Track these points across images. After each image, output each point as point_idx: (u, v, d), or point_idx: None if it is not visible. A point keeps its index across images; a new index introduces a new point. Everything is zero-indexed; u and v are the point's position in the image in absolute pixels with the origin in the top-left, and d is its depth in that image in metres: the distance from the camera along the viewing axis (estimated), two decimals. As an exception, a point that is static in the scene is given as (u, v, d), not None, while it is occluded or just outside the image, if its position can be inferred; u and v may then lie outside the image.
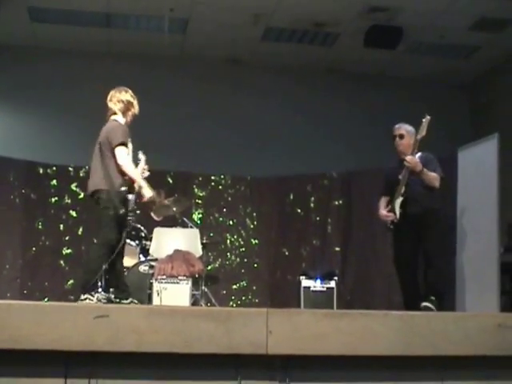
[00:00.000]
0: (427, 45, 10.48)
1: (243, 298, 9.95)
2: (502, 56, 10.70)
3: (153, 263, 8.22)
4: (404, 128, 6.91)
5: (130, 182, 6.27)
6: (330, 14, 9.59)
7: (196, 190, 10.19)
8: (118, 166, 6.13)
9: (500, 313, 6.30)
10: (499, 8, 9.21)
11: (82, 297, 6.03)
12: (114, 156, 6.15)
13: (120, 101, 6.53)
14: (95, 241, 6.75)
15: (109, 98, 6.54)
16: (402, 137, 6.84)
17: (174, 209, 8.07)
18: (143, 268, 8.25)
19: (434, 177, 6.58)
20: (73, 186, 9.87)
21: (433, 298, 6.23)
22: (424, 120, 6.72)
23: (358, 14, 9.51)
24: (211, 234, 9.77)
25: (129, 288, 6.62)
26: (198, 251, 8.48)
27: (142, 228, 8.72)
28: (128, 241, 8.46)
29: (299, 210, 10.19)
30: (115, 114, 6.47)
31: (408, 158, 6.59)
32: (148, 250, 8.67)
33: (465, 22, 9.71)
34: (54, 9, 9.62)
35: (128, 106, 6.53)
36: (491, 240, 7.14)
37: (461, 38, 10.19)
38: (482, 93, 11.52)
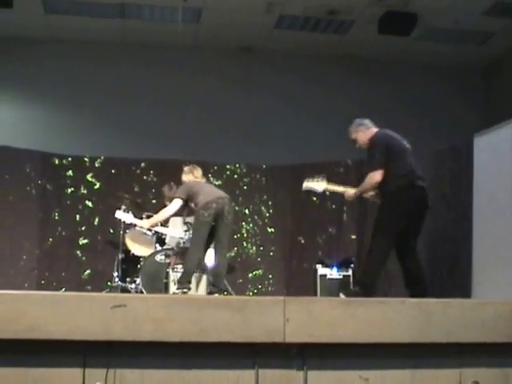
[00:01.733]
0: (442, 31, 10.44)
1: (259, 286, 9.96)
2: (517, 41, 10.64)
3: (169, 252, 8.25)
4: (352, 133, 6.85)
5: None
6: (343, 2, 9.57)
7: (211, 178, 10.17)
8: None
9: (517, 299, 6.27)
10: (514, -7, 9.16)
11: None
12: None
13: None
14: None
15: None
16: (355, 142, 6.83)
17: None
18: (159, 257, 8.30)
19: (367, 185, 6.52)
20: (88, 177, 9.90)
21: (356, 288, 6.15)
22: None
23: (372, 0, 9.46)
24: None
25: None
26: (213, 240, 8.49)
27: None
28: (144, 230, 8.54)
29: (315, 198, 10.15)
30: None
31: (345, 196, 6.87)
32: (164, 239, 8.70)
33: (479, 8, 9.66)
34: (68, 0, 9.64)
35: None
36: (508, 227, 7.10)
37: (475, 23, 10.14)
38: (497, 79, 11.45)
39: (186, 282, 7.42)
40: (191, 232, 7.86)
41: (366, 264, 6.42)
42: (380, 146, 6.39)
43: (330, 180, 7.24)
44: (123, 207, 8.60)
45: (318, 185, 7.31)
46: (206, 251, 7.73)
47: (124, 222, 8.53)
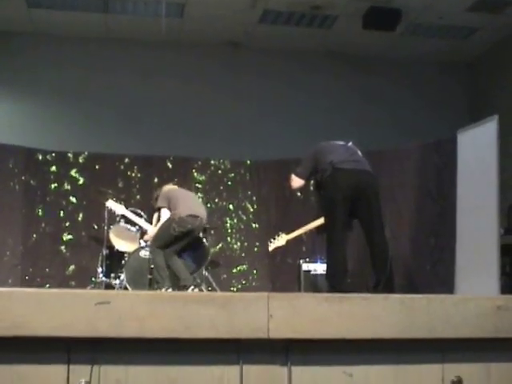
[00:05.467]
0: (426, 26, 10.48)
1: (244, 282, 9.97)
2: (500, 37, 10.69)
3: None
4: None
5: None
6: (327, -3, 9.58)
7: (196, 174, 10.19)
8: None
9: (500, 295, 6.31)
10: (498, -11, 9.21)
11: None
12: None
13: None
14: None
15: None
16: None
17: None
18: (144, 253, 8.30)
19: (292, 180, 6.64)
20: (72, 172, 9.87)
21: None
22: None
23: (356, -4, 9.50)
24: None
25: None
26: (198, 236, 8.50)
27: (143, 213, 8.75)
28: (128, 226, 8.54)
29: (299, 194, 10.17)
30: None
31: None
32: (148, 235, 8.70)
33: (463, 3, 9.71)
34: (50, -6, 9.62)
35: None
36: (491, 222, 7.14)
37: (459, 19, 10.19)
38: (481, 74, 11.51)
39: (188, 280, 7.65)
40: (157, 232, 7.89)
41: (326, 266, 6.36)
42: (307, 157, 6.71)
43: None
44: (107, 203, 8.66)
45: (279, 241, 8.04)
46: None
47: (114, 212, 8.56)
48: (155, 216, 8.27)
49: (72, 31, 10.62)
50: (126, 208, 8.68)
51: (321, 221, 7.50)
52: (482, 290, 6.92)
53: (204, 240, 8.44)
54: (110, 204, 8.53)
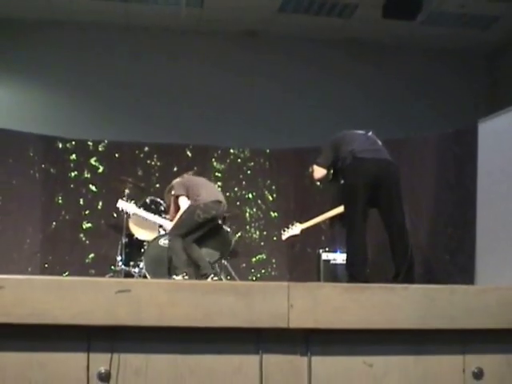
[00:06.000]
0: (447, 15, 10.39)
1: (263, 271, 9.98)
2: (522, 26, 10.60)
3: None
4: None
5: None
6: (348, -15, 9.53)
7: (215, 163, 10.18)
8: None
9: (521, 285, 6.27)
10: (520, -23, 9.12)
11: None
12: None
13: None
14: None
15: None
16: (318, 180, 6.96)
17: None
18: (163, 241, 8.30)
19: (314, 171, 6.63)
20: (92, 161, 9.90)
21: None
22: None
23: (377, -16, 9.43)
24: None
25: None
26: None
27: (162, 202, 8.76)
28: (147, 215, 8.55)
29: (318, 183, 10.13)
30: None
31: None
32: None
33: (484, -8, 9.63)
34: (70, -18, 9.63)
35: None
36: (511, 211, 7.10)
37: (480, 8, 10.09)
38: (502, 63, 11.41)
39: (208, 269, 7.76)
40: (178, 220, 7.92)
41: (346, 255, 6.38)
42: (326, 147, 6.70)
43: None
44: (126, 191, 8.64)
45: (293, 230, 7.97)
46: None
47: (127, 213, 8.56)
48: (172, 208, 8.23)
49: (92, 19, 10.63)
50: (141, 204, 8.67)
51: (335, 211, 7.51)
52: (504, 280, 6.89)
53: (224, 227, 8.42)
54: (121, 204, 8.52)
